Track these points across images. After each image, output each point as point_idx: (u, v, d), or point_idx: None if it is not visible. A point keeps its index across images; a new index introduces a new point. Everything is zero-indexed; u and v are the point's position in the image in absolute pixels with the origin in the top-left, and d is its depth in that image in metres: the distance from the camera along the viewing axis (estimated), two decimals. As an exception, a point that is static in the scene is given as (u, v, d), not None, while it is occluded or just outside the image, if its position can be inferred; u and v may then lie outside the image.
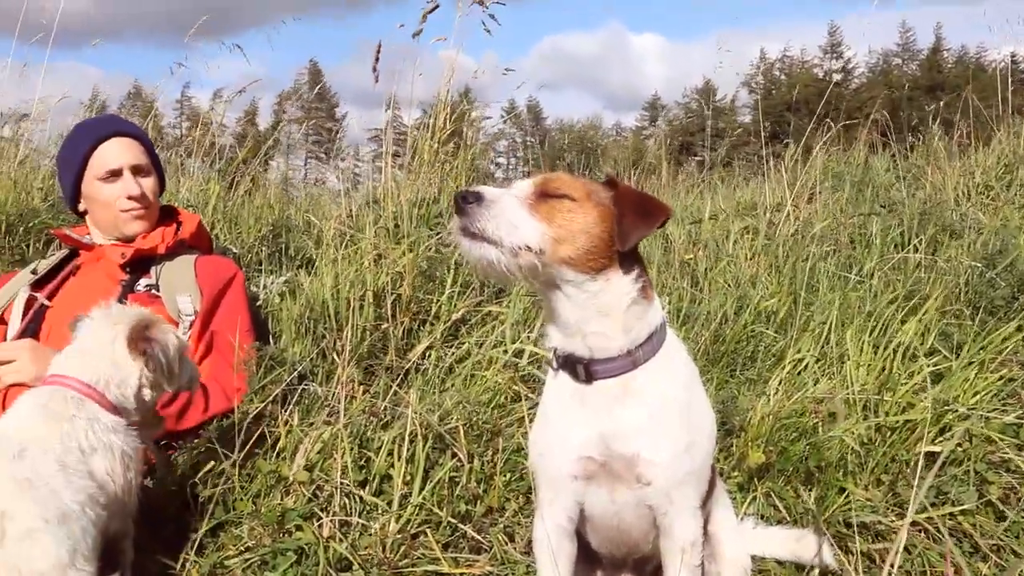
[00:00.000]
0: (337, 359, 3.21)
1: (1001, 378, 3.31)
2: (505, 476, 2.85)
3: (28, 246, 4.49)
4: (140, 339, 2.35)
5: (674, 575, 2.10)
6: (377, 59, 4.20)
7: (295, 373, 3.14)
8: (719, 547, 2.36)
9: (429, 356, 3.46)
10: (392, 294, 3.53)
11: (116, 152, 3.39)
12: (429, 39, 4.76)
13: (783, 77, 73.14)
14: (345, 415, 2.84)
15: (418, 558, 2.58)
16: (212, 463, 2.77)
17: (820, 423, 3.06)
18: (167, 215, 3.63)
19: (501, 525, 2.74)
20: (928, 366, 3.33)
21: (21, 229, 4.50)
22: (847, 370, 3.42)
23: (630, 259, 2.00)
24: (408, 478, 2.75)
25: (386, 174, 4.99)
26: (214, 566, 2.51)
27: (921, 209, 5.40)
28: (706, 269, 4.47)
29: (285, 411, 2.95)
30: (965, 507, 2.76)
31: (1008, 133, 7.30)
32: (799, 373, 3.57)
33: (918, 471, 2.76)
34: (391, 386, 3.12)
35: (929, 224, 5.14)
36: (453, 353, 3.49)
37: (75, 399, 2.22)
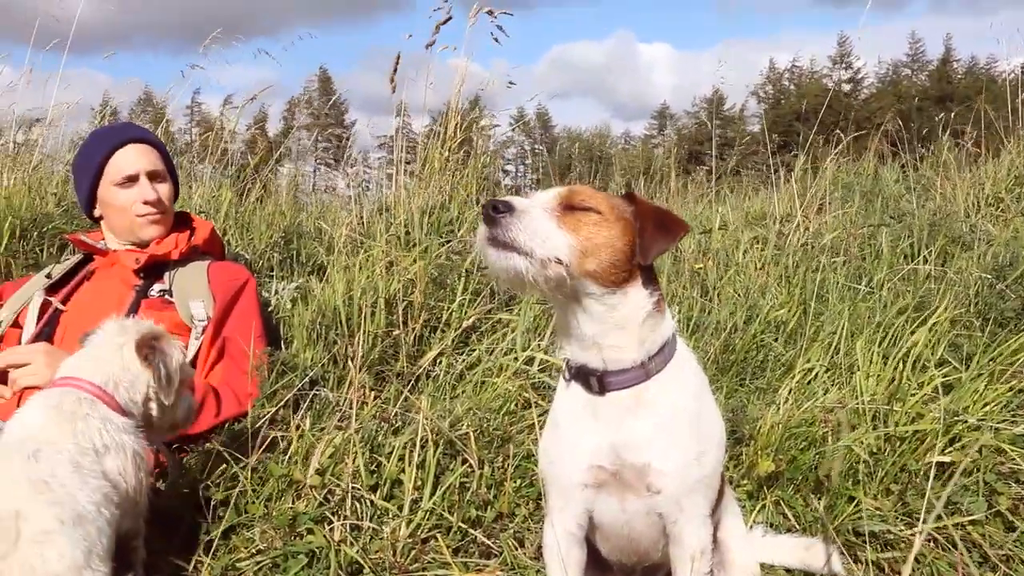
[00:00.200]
0: (349, 365, 3.23)
1: (1011, 389, 3.31)
2: (515, 482, 2.86)
3: (42, 251, 4.52)
4: (146, 346, 2.38)
5: (684, 583, 2.11)
6: (395, 70, 4.23)
7: (307, 378, 3.16)
8: (728, 555, 2.37)
9: (440, 363, 3.47)
10: (404, 301, 3.55)
11: (132, 158, 3.43)
12: (439, 47, 4.79)
13: (792, 87, 73.16)
14: (356, 420, 2.86)
15: (428, 562, 2.59)
16: (224, 466, 2.79)
17: (829, 432, 3.07)
18: (181, 221, 3.67)
19: (511, 531, 2.75)
20: (938, 377, 3.34)
21: (35, 234, 4.53)
22: (856, 380, 3.43)
23: (646, 272, 2.01)
24: (419, 483, 2.76)
25: (397, 181, 5.02)
26: (226, 568, 2.52)
27: (931, 220, 5.40)
28: (716, 279, 4.48)
29: (297, 416, 2.98)
30: (975, 517, 2.76)
31: (1018, 144, 7.29)
32: (808, 383, 3.58)
33: (929, 481, 2.76)
34: (402, 392, 3.13)
35: (939, 235, 5.14)
36: (464, 360, 3.50)
37: (87, 400, 2.24)
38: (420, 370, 3.42)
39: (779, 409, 3.23)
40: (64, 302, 3.33)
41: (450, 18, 4.48)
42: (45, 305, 3.32)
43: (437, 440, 2.84)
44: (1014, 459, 2.92)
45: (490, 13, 5.04)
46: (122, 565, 2.16)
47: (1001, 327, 3.97)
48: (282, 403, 3.06)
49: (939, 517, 2.75)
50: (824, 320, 4.02)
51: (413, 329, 3.54)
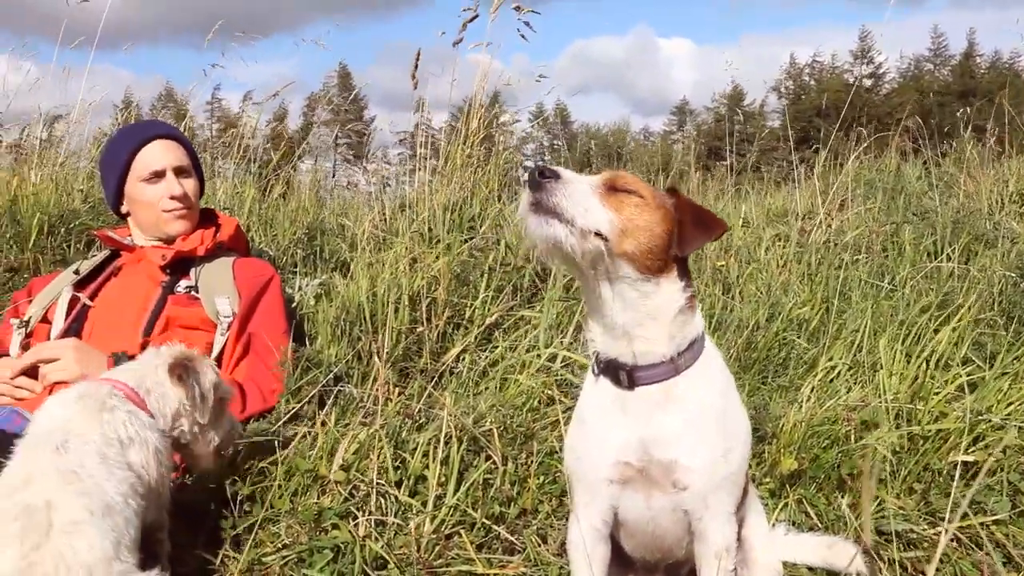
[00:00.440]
0: (372, 361, 3.26)
1: (1035, 388, 3.30)
2: (539, 479, 2.88)
3: (69, 246, 4.57)
4: (179, 367, 2.42)
5: (708, 579, 2.12)
6: (416, 66, 4.24)
7: (331, 375, 3.19)
8: (751, 553, 2.38)
9: (463, 359, 3.49)
10: (427, 298, 3.57)
11: (159, 154, 3.46)
12: (467, 44, 4.79)
13: (812, 82, 72.69)
14: (381, 416, 2.89)
15: (452, 558, 2.61)
16: (251, 462, 2.82)
17: (852, 431, 3.07)
18: (206, 218, 3.69)
19: (534, 527, 2.76)
20: (962, 375, 3.33)
21: (62, 230, 4.58)
22: (880, 379, 3.42)
23: (682, 268, 2.03)
24: (443, 479, 2.78)
25: (419, 178, 5.04)
26: (252, 562, 2.55)
27: (954, 218, 5.38)
28: (738, 276, 4.48)
29: (322, 412, 3.00)
30: (998, 517, 2.75)
31: (1043, 140, 7.24)
32: (831, 381, 3.58)
33: (955, 481, 2.75)
34: (426, 388, 3.15)
35: (962, 233, 5.11)
36: (487, 357, 3.52)
37: (116, 394, 2.27)
38: (443, 367, 3.44)
39: (801, 407, 3.23)
40: (92, 297, 3.36)
41: (476, 16, 4.49)
42: (73, 301, 3.34)
43: (461, 436, 2.85)
44: (1038, 459, 2.92)
45: (518, 9, 5.04)
46: (148, 557, 2.18)
47: (1025, 325, 3.95)
48: (307, 399, 3.09)
49: (963, 516, 2.74)
50: (846, 318, 4.01)
51: (436, 326, 3.56)
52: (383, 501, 2.72)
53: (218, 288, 3.35)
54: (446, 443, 2.82)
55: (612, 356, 2.06)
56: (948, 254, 4.84)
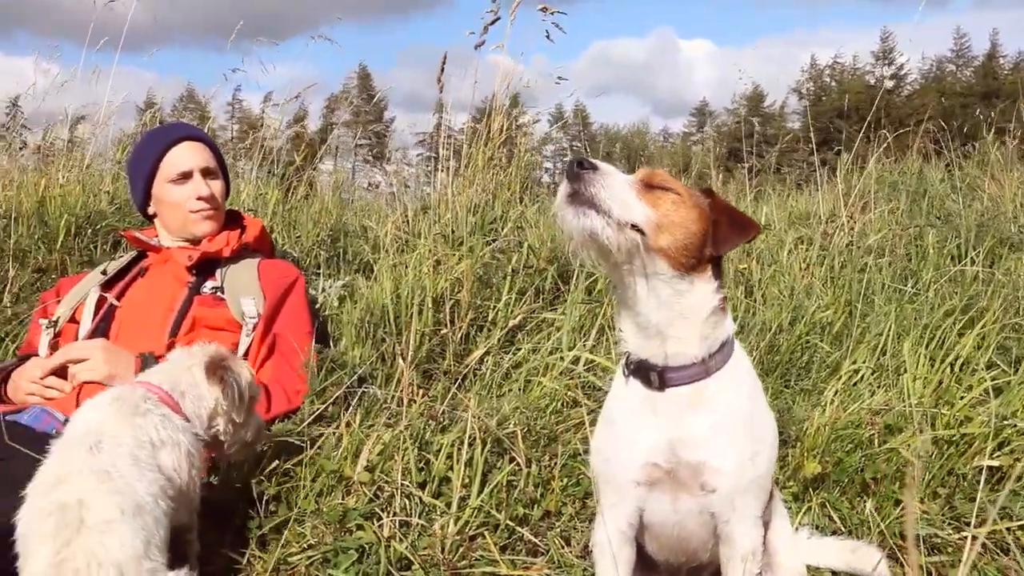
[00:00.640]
0: (396, 363, 3.28)
1: (1061, 393, 3.28)
2: (562, 481, 2.88)
3: (95, 248, 4.61)
4: (217, 367, 2.45)
5: (734, 583, 2.12)
6: (442, 70, 4.26)
7: (355, 376, 3.21)
8: (775, 556, 2.38)
9: (486, 361, 3.50)
10: (450, 300, 3.59)
11: (187, 155, 3.49)
12: (488, 46, 4.80)
13: (833, 83, 72.30)
14: (405, 418, 2.90)
15: (476, 559, 2.62)
16: (276, 462, 2.85)
17: (876, 435, 3.07)
18: (231, 220, 3.72)
19: (558, 529, 2.77)
20: (987, 379, 3.31)
21: (89, 231, 4.63)
22: (904, 382, 3.41)
23: (716, 269, 2.03)
24: (467, 481, 2.79)
25: (440, 180, 5.05)
26: (278, 562, 2.57)
27: (978, 221, 5.34)
28: (760, 279, 4.47)
29: (346, 413, 3.02)
30: (1023, 522, 2.74)
31: (1068, 142, 7.18)
32: (854, 384, 3.57)
33: (982, 486, 2.74)
34: (450, 389, 3.17)
35: (987, 236, 5.08)
36: (510, 359, 3.53)
37: (150, 398, 2.31)
38: (467, 369, 3.46)
39: (825, 411, 3.23)
40: (119, 298, 3.38)
41: (498, 18, 4.51)
42: (100, 301, 3.37)
43: (485, 438, 2.87)
44: (1064, 464, 2.90)
45: (544, 10, 5.04)
46: (177, 558, 2.21)
47: (1051, 330, 3.93)
48: (331, 400, 3.11)
49: (998, 520, 2.73)
50: (870, 322, 4.00)
51: (460, 328, 3.58)
52: (407, 502, 2.74)
53: (244, 289, 3.37)
54: (470, 445, 2.83)
55: (643, 357, 2.07)
56: (972, 258, 4.81)
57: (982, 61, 72.92)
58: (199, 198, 3.46)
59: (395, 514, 2.68)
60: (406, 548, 2.57)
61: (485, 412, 2.99)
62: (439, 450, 2.87)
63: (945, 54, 73.71)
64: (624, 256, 1.93)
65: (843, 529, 2.82)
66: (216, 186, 3.54)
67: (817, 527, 2.79)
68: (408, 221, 4.81)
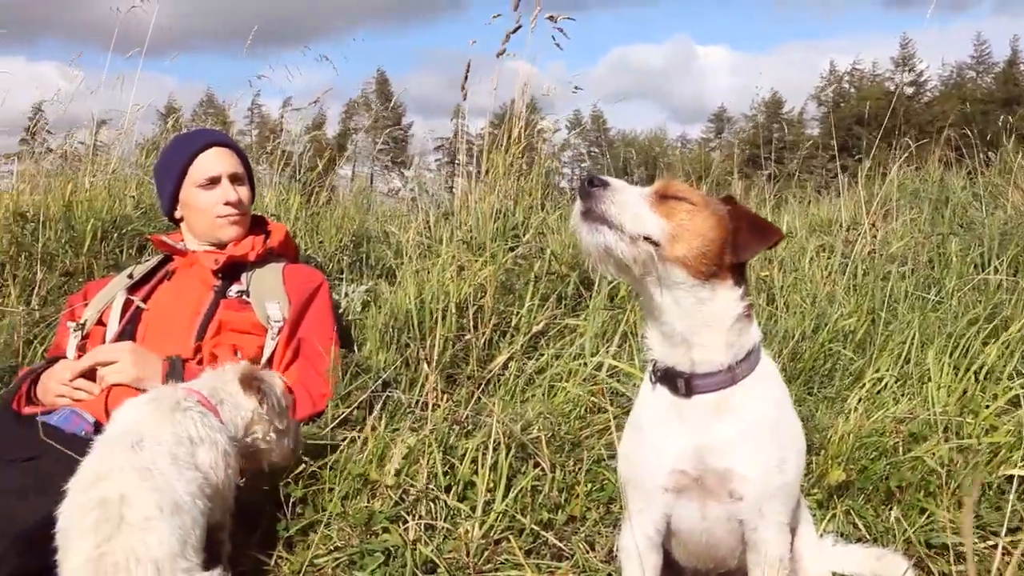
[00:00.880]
0: (420, 368, 3.30)
1: (1086, 403, 3.27)
2: (586, 486, 2.90)
3: (121, 251, 4.66)
4: (252, 379, 2.51)
5: (761, 590, 2.13)
6: (466, 78, 4.29)
7: (379, 380, 3.23)
8: (800, 563, 2.38)
9: (509, 367, 3.52)
10: (474, 305, 3.61)
11: (215, 161, 3.53)
12: (503, 53, 4.82)
13: (852, 90, 72.05)
14: (430, 422, 2.92)
15: (501, 563, 2.63)
16: (303, 465, 2.87)
17: (901, 443, 3.06)
18: (256, 225, 3.75)
19: (582, 534, 2.78)
20: (1012, 389, 3.30)
21: (115, 235, 4.68)
22: (928, 391, 3.40)
23: (738, 276, 2.04)
24: (491, 485, 2.81)
25: (461, 186, 5.08)
26: (304, 564, 2.59)
27: (1001, 229, 5.31)
28: (782, 286, 4.47)
29: (371, 417, 3.05)
30: (1050, 531, 2.73)
31: (1090, 150, 7.13)
32: (878, 392, 3.56)
33: (1012, 495, 2.73)
34: (474, 394, 3.19)
35: (1010, 245, 5.05)
36: (533, 365, 3.55)
37: (189, 398, 2.35)
38: (490, 374, 3.47)
39: (848, 418, 3.23)
40: (145, 301, 3.42)
41: (519, 27, 4.53)
42: (127, 304, 3.41)
43: (509, 443, 2.88)
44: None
45: (552, 18, 5.06)
46: (210, 557, 2.23)
47: (1076, 339, 3.90)
48: (356, 404, 3.14)
49: (1015, 530, 2.73)
50: (893, 330, 3.99)
51: (483, 333, 3.60)
52: (432, 506, 2.76)
53: (269, 293, 3.40)
54: (494, 450, 2.85)
55: (670, 364, 2.08)
56: (996, 266, 4.79)
57: (1003, 67, 72.48)
58: (227, 203, 3.50)
59: (420, 517, 2.70)
60: (432, 551, 2.59)
61: (509, 417, 3.00)
62: (464, 454, 2.89)
63: (965, 60, 73.36)
64: (641, 268, 1.94)
65: (868, 537, 2.81)
66: (243, 192, 3.58)
67: (842, 534, 2.78)
68: (430, 227, 4.83)
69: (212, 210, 3.50)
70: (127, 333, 3.31)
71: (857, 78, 73.62)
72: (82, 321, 3.37)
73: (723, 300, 2.01)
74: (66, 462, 2.25)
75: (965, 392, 3.40)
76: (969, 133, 8.12)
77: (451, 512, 2.76)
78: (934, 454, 3.00)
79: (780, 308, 4.27)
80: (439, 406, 3.06)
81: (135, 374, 2.94)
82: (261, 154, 6.78)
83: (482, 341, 3.59)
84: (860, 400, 3.43)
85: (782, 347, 3.84)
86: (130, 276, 3.57)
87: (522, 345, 3.61)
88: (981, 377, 3.47)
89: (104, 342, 3.27)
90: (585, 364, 3.46)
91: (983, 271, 4.73)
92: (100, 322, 3.40)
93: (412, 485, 2.79)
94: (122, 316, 3.38)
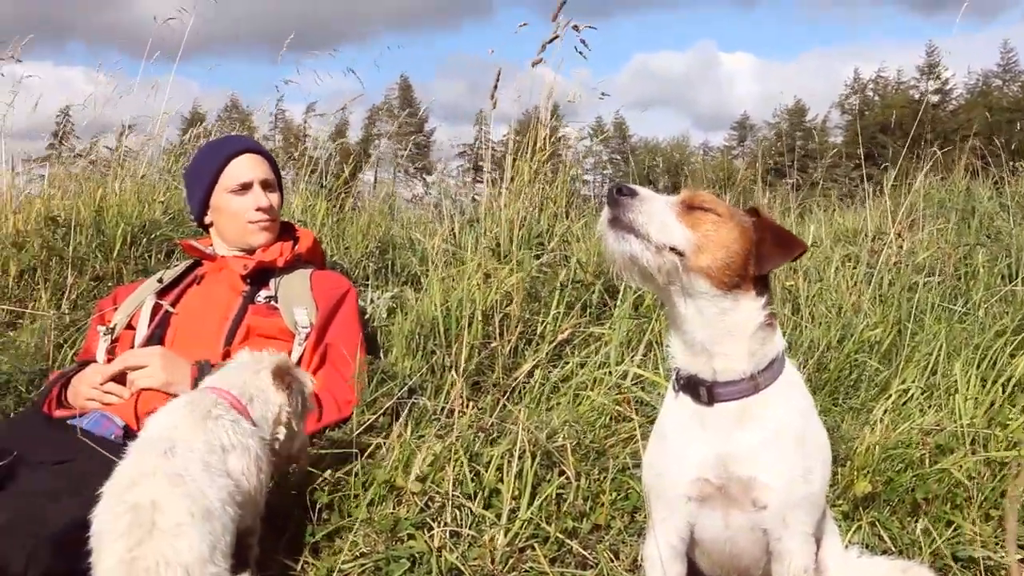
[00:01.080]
0: (448, 375, 3.32)
1: (1116, 416, 3.24)
2: (611, 495, 2.90)
3: (150, 256, 4.71)
4: (284, 373, 2.52)
5: (786, 600, 2.13)
6: (496, 86, 4.32)
7: (405, 387, 3.25)
8: (825, 574, 2.37)
9: (534, 375, 3.53)
10: (500, 313, 3.63)
11: (247, 167, 3.57)
12: (539, 63, 4.82)
13: (876, 98, 71.56)
14: (456, 429, 2.94)
15: (526, 571, 2.65)
16: (329, 471, 2.90)
17: (927, 455, 3.05)
18: (285, 231, 3.78)
19: (607, 542, 2.79)
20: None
21: (144, 240, 4.73)
22: (955, 403, 3.39)
23: (762, 286, 2.05)
24: (516, 493, 2.82)
25: (486, 193, 5.09)
26: (331, 570, 2.61)
27: (1029, 240, 5.28)
28: (807, 296, 4.46)
29: (397, 423, 3.07)
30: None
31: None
32: (904, 404, 3.55)
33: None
34: (499, 401, 3.20)
35: (1039, 256, 5.02)
36: (558, 373, 3.56)
37: (221, 403, 2.37)
38: (516, 382, 3.48)
39: (874, 429, 3.22)
40: (174, 305, 3.45)
41: (556, 36, 4.53)
42: (156, 308, 3.44)
43: (534, 451, 2.89)
44: (1120, 487, 2.87)
45: (575, 28, 5.07)
46: (237, 562, 2.26)
47: (1105, 352, 3.87)
48: (382, 411, 3.16)
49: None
50: (919, 341, 3.97)
51: (509, 341, 3.61)
52: (458, 513, 2.77)
53: (297, 299, 3.43)
54: (520, 457, 2.86)
55: (692, 372, 2.09)
56: (1024, 278, 4.76)
57: (1030, 76, 71.74)
58: (258, 208, 3.53)
59: (446, 524, 2.71)
60: (457, 558, 2.61)
61: (535, 425, 3.02)
62: (489, 462, 2.90)
63: (991, 68, 72.66)
64: (665, 277, 1.96)
65: (894, 549, 2.80)
66: (274, 198, 3.61)
67: (867, 546, 2.77)
68: (455, 234, 4.85)
69: (243, 215, 3.53)
70: (156, 337, 3.34)
71: (881, 86, 73.14)
72: (112, 325, 3.40)
73: (745, 310, 2.02)
74: (98, 464, 2.29)
75: (992, 404, 3.38)
76: (995, 142, 8.05)
77: (476, 519, 2.77)
78: (961, 466, 2.99)
79: (805, 318, 4.26)
80: (465, 413, 3.08)
81: (165, 378, 2.97)
82: (288, 160, 6.83)
83: (508, 349, 3.60)
84: (886, 411, 3.42)
85: (807, 357, 3.83)
86: (159, 280, 3.60)
87: (547, 353, 3.62)
88: (1009, 390, 3.45)
89: (133, 346, 3.30)
90: (610, 373, 3.47)
91: (1011, 283, 4.70)
92: (129, 326, 3.43)
93: (438, 492, 2.80)
94: (151, 320, 3.41)
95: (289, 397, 2.53)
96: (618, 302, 3.98)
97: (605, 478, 2.94)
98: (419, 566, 2.61)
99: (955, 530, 2.83)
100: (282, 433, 2.54)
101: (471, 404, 3.22)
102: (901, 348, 3.95)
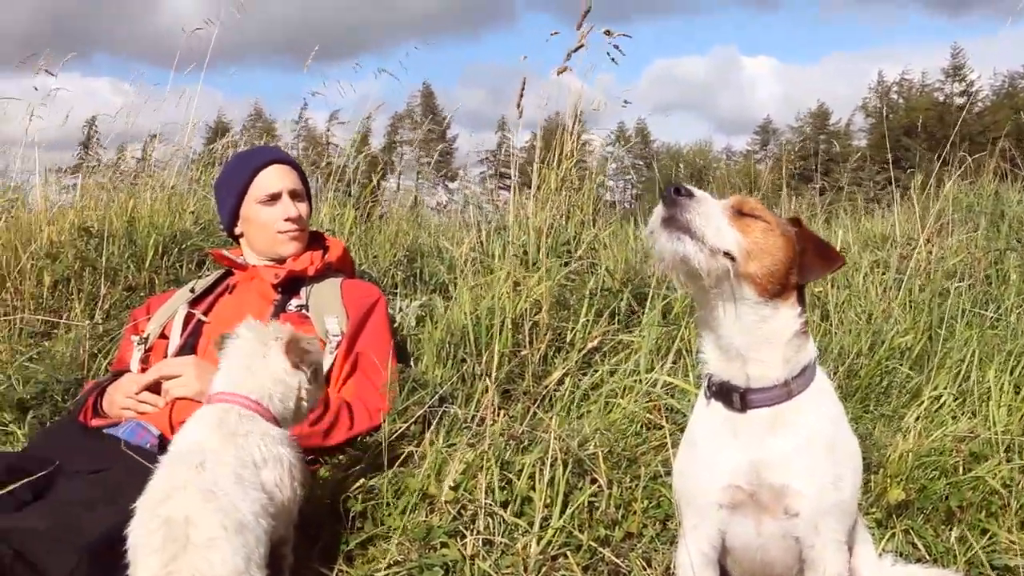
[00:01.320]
0: (479, 383, 3.33)
1: None
2: (643, 503, 2.91)
3: (181, 266, 4.75)
4: (298, 349, 2.51)
5: (819, 609, 2.12)
6: (522, 95, 4.34)
7: (436, 396, 3.27)
8: (859, 583, 2.37)
9: (564, 383, 3.54)
10: (529, 321, 3.64)
11: (276, 177, 3.60)
12: (564, 71, 4.82)
13: (901, 100, 70.95)
14: (487, 437, 2.95)
15: (559, 579, 2.66)
16: (362, 480, 2.91)
17: (961, 462, 3.03)
18: (314, 240, 3.81)
19: (639, 550, 2.79)
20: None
21: (175, 250, 4.77)
22: (988, 410, 3.37)
23: (799, 295, 2.07)
24: (548, 501, 2.83)
25: (513, 201, 5.10)
26: (365, 577, 2.64)
27: (1061, 244, 5.23)
28: (836, 303, 4.44)
29: (428, 431, 3.09)
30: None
31: None
32: (936, 410, 3.53)
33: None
34: (530, 409, 3.21)
35: (1071, 260, 4.98)
36: (588, 380, 3.56)
37: (247, 416, 2.38)
38: (546, 390, 3.49)
39: (907, 437, 3.20)
40: (206, 314, 3.49)
41: (582, 45, 4.55)
42: (189, 317, 3.48)
43: (566, 459, 2.90)
44: None
45: (608, 33, 5.07)
46: (273, 571, 2.28)
47: None
48: (413, 419, 3.17)
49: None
50: (951, 347, 3.95)
51: (538, 349, 3.62)
52: (490, 521, 2.78)
53: (328, 308, 3.45)
54: (551, 465, 2.86)
55: (725, 379, 2.10)
56: (1057, 283, 4.72)
57: (1058, 77, 70.85)
58: (287, 219, 3.56)
59: (479, 532, 2.73)
60: (490, 566, 2.62)
61: (566, 433, 3.02)
62: (521, 470, 2.91)
63: (1017, 69, 71.79)
64: (713, 281, 1.98)
65: (928, 557, 2.79)
66: (303, 208, 3.64)
67: (901, 554, 2.77)
68: (482, 242, 4.86)
69: (273, 226, 3.56)
70: (189, 346, 3.38)
71: (906, 88, 72.51)
72: (145, 335, 3.44)
73: (783, 318, 2.04)
74: (134, 473, 2.32)
75: (1027, 410, 3.36)
76: (1017, 143, 7.96)
77: (509, 527, 2.78)
78: (996, 474, 2.97)
79: (834, 325, 4.24)
80: (496, 421, 3.09)
81: (199, 387, 3.00)
82: (315, 172, 6.86)
83: (537, 357, 3.61)
84: (918, 418, 3.40)
85: (838, 364, 3.82)
86: (192, 290, 3.64)
87: (577, 361, 3.63)
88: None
89: (167, 355, 3.34)
90: (640, 380, 3.47)
91: (1044, 288, 4.66)
92: (163, 335, 3.47)
93: (470, 500, 2.82)
94: (184, 329, 3.45)
95: (308, 370, 2.52)
96: (646, 309, 3.98)
97: (637, 486, 2.95)
98: (452, 574, 2.63)
99: (991, 539, 2.82)
100: (304, 407, 2.55)
101: (502, 412, 3.22)
102: (932, 354, 3.93)
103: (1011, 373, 3.58)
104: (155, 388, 3.10)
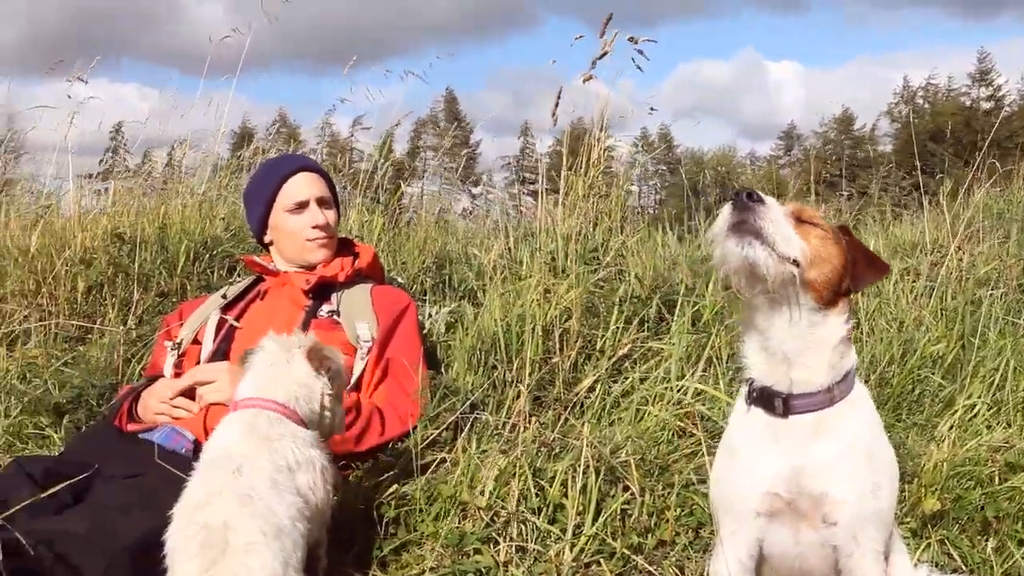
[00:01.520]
0: (510, 390, 3.34)
1: None
2: (676, 511, 2.90)
3: (213, 272, 4.79)
4: (319, 355, 2.53)
5: (857, 619, 2.11)
6: (557, 104, 4.35)
7: (468, 402, 3.28)
8: (895, 593, 2.36)
9: (595, 390, 3.54)
10: (559, 328, 3.64)
11: (304, 185, 3.62)
12: (590, 79, 4.82)
13: (927, 105, 70.40)
14: (520, 444, 2.96)
15: (592, 587, 2.66)
16: (395, 486, 2.93)
17: (997, 472, 3.01)
18: (344, 246, 3.83)
19: (672, 558, 2.79)
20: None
21: (207, 256, 4.81)
22: (1024, 419, 3.35)
23: (847, 302, 2.10)
24: (580, 508, 2.83)
25: (541, 208, 5.10)
26: (399, 583, 2.65)
27: (1094, 252, 5.18)
28: (867, 311, 4.42)
29: (460, 438, 3.10)
30: None
31: None
32: (970, 420, 3.51)
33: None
34: (561, 416, 3.22)
35: (1104, 267, 4.93)
36: (619, 388, 3.56)
37: (277, 419, 2.39)
38: (577, 397, 3.50)
39: (940, 446, 3.18)
40: (238, 320, 3.51)
41: (606, 53, 4.55)
42: (221, 323, 3.50)
43: (598, 467, 2.90)
44: None
45: (632, 40, 5.06)
46: (307, 574, 2.29)
47: None
48: (444, 426, 3.18)
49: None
50: (984, 356, 3.92)
51: (569, 356, 3.62)
52: (523, 528, 2.79)
53: (358, 313, 3.46)
54: (583, 472, 2.87)
55: (768, 384, 2.11)
56: (1090, 292, 4.67)
57: (1086, 81, 70.07)
58: (315, 226, 3.58)
59: (512, 539, 2.73)
60: (523, 573, 2.63)
61: (598, 440, 3.03)
62: (553, 477, 2.92)
63: (1045, 74, 70.99)
64: (778, 286, 2.00)
65: (964, 568, 2.77)
66: (331, 215, 3.66)
67: (937, 564, 2.75)
68: (510, 249, 4.86)
69: (301, 233, 3.58)
70: (221, 352, 3.39)
71: (932, 93, 71.93)
72: (178, 340, 3.47)
73: (832, 324, 2.07)
74: (169, 478, 2.34)
75: (1062, 421, 3.33)
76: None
77: (542, 535, 2.79)
78: (1032, 485, 2.95)
79: (865, 333, 4.22)
80: (527, 428, 3.09)
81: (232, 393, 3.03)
82: (340, 178, 6.90)
83: (568, 364, 3.61)
84: (952, 427, 3.38)
85: (869, 372, 3.80)
86: (224, 296, 3.66)
87: (607, 368, 3.63)
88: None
89: (199, 361, 3.36)
90: (671, 388, 3.46)
91: (1077, 295, 4.62)
92: (195, 341, 3.49)
93: (503, 507, 2.82)
94: (216, 335, 3.47)
95: (330, 376, 2.53)
96: (675, 316, 3.98)
97: (670, 493, 2.95)
98: (486, 581, 2.63)
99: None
100: (327, 417, 2.55)
101: (533, 419, 3.23)
102: (965, 363, 3.90)
103: (1046, 382, 3.56)
104: (190, 393, 3.13)
